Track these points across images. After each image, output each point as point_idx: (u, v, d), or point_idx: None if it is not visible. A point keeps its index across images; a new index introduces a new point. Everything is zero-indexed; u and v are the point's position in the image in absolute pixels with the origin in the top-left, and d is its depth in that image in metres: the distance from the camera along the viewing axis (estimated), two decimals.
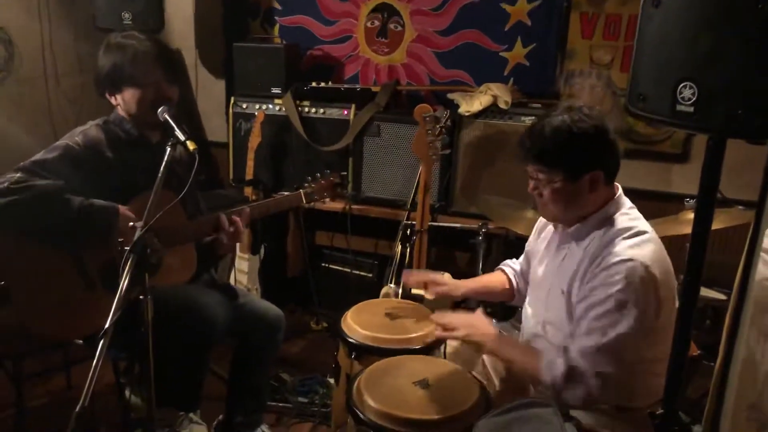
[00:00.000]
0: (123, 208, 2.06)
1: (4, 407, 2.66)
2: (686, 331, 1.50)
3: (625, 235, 1.72)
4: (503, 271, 2.30)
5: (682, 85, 1.25)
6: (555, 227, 1.94)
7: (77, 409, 1.36)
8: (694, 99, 1.23)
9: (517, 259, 2.30)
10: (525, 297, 2.16)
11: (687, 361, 1.71)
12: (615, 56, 3.28)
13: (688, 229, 2.44)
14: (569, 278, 1.79)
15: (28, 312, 2.11)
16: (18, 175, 2.00)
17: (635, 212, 1.82)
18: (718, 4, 1.19)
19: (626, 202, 1.83)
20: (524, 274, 2.22)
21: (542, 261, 1.99)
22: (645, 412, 1.75)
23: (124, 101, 2.19)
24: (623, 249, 1.69)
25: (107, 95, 2.21)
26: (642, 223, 1.77)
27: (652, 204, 2.92)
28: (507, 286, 2.27)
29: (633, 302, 1.64)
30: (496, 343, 1.87)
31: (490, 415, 1.34)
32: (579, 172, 1.73)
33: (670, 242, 2.32)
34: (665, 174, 3.29)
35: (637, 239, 1.71)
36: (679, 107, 1.26)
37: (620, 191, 1.83)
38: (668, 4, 1.26)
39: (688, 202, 2.49)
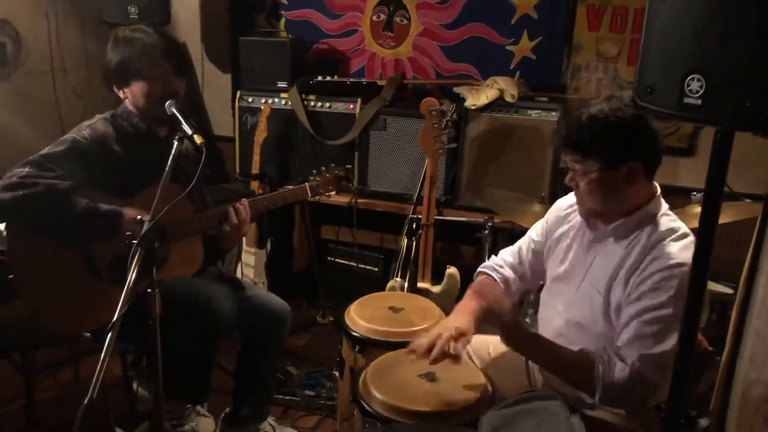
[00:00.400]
0: (127, 212, 2.04)
1: (14, 399, 2.68)
2: (694, 324, 1.50)
3: (673, 236, 1.67)
4: (486, 275, 2.11)
5: (689, 77, 1.24)
6: (589, 224, 1.85)
7: (85, 401, 1.36)
8: (701, 91, 1.22)
9: (496, 256, 2.17)
10: (520, 295, 2.12)
11: (698, 356, 1.71)
12: (622, 49, 3.26)
13: (694, 223, 2.43)
14: (608, 278, 1.73)
15: (36, 305, 2.12)
16: (26, 169, 2.01)
17: (673, 214, 1.76)
18: None
19: (664, 203, 1.78)
20: (518, 266, 2.09)
21: (564, 259, 1.91)
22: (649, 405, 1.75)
23: (132, 95, 2.19)
24: (676, 252, 1.63)
25: (115, 89, 2.22)
26: (684, 225, 1.73)
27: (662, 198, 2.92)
28: (503, 288, 2.09)
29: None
30: (531, 344, 1.78)
31: (496, 407, 1.35)
32: (616, 161, 1.67)
33: None
34: (671, 168, 3.28)
35: (686, 241, 1.66)
36: (686, 100, 1.25)
37: (659, 191, 1.77)
38: None
39: (694, 195, 2.49)
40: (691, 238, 1.67)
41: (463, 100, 3.20)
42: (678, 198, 2.81)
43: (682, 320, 1.49)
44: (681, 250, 1.64)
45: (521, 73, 3.44)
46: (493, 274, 2.10)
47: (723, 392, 1.47)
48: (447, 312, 2.12)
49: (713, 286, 2.69)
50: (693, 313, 1.50)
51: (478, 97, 3.16)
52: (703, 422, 1.47)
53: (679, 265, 1.61)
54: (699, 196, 2.48)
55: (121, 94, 2.22)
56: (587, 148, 1.69)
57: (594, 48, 3.31)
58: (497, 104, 3.16)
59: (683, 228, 1.71)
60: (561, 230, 1.97)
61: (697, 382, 2.12)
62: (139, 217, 1.70)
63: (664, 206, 1.77)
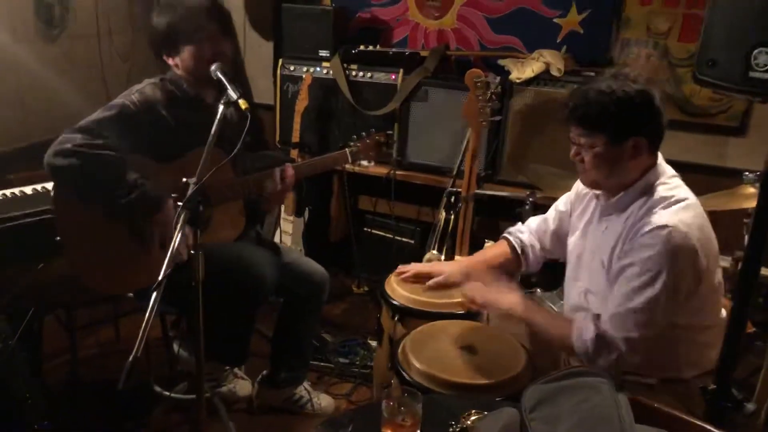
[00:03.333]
0: (171, 201, 2.08)
1: (58, 354, 2.75)
2: (744, 306, 1.47)
3: (664, 204, 1.70)
4: (507, 239, 2.23)
5: (757, 50, 1.20)
6: (597, 198, 1.90)
7: (130, 358, 1.38)
8: None
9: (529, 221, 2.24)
10: (538, 263, 2.17)
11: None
12: (673, 25, 3.16)
13: (744, 204, 2.40)
14: (609, 249, 1.77)
15: (80, 266, 2.16)
16: (80, 136, 2.04)
17: (676, 180, 1.79)
18: None
19: (667, 170, 1.80)
20: (543, 234, 2.17)
21: (585, 231, 1.96)
22: (693, 385, 1.74)
23: (181, 60, 2.20)
24: (660, 217, 1.67)
25: (164, 57, 2.22)
26: (682, 191, 1.75)
27: (707, 178, 2.85)
28: (510, 257, 2.19)
29: (666, 267, 1.62)
30: (523, 311, 1.86)
31: (540, 381, 1.34)
32: (621, 136, 1.70)
33: (726, 217, 2.27)
34: (721, 147, 3.19)
35: (675, 207, 1.69)
36: (752, 74, 1.22)
37: (661, 159, 1.80)
38: None
39: (747, 176, 2.42)
40: (686, 202, 1.70)
41: (508, 72, 3.15)
42: (727, 179, 2.74)
43: (733, 304, 1.46)
44: (670, 215, 1.67)
45: (568, 46, 3.36)
46: (513, 240, 2.19)
47: None
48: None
49: (762, 270, 2.62)
50: (744, 296, 1.47)
51: (523, 70, 3.10)
52: (751, 406, 1.45)
53: (661, 227, 1.64)
54: (751, 176, 2.42)
55: (170, 62, 2.22)
56: (593, 123, 1.72)
57: (644, 23, 3.22)
58: (543, 78, 3.09)
59: (678, 194, 1.72)
60: (583, 205, 2.01)
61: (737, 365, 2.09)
62: (184, 179, 1.71)
63: (666, 173, 1.79)
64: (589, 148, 1.74)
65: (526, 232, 2.21)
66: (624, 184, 1.78)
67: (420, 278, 2.19)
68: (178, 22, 2.15)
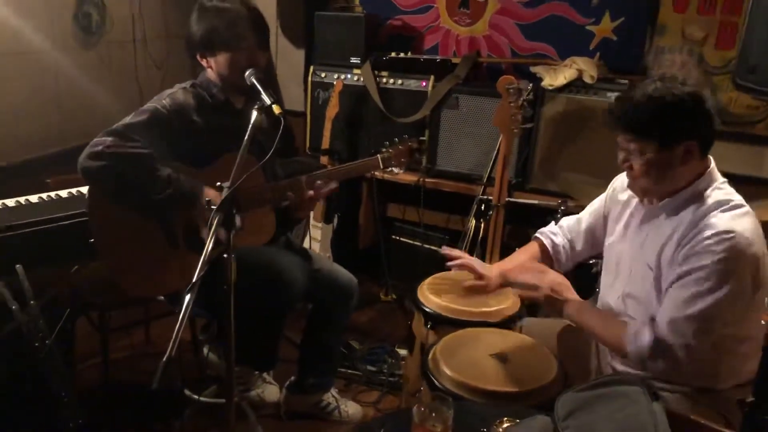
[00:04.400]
0: (207, 190, 2.10)
1: (91, 356, 2.79)
2: None
3: (723, 208, 1.64)
4: (539, 240, 2.21)
5: None
6: (641, 201, 1.85)
7: (164, 358, 1.39)
8: None
9: (556, 225, 2.22)
10: (569, 264, 2.13)
11: None
12: (710, 32, 3.11)
13: None
14: (657, 252, 1.72)
15: (114, 268, 2.19)
16: (111, 138, 2.06)
17: (729, 186, 1.73)
18: None
19: (718, 176, 1.75)
20: (576, 235, 2.13)
21: (623, 234, 1.91)
22: (729, 396, 1.70)
23: (216, 64, 2.21)
24: (723, 221, 1.61)
25: (199, 57, 2.24)
26: (738, 197, 1.70)
27: (743, 188, 2.77)
28: (540, 258, 2.16)
29: (729, 275, 1.57)
30: (576, 308, 1.82)
31: (574, 389, 1.32)
32: (673, 141, 1.65)
33: (763, 227, 2.21)
34: (758, 158, 3.13)
35: (737, 212, 1.63)
36: None
37: (713, 164, 1.75)
38: None
39: None
40: (745, 209, 1.65)
41: (540, 80, 3.13)
42: (764, 189, 2.68)
43: None
44: (729, 219, 1.61)
45: (601, 54, 3.33)
46: (544, 240, 2.18)
47: None
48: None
49: None
50: None
51: (555, 77, 3.08)
52: None
53: (726, 232, 1.58)
54: None
55: (204, 63, 2.24)
56: (644, 128, 1.67)
57: (679, 30, 3.18)
58: (575, 85, 3.07)
59: (735, 200, 1.67)
60: (619, 207, 1.97)
61: None
62: (219, 183, 1.73)
63: (718, 180, 1.74)
64: (639, 154, 1.69)
65: (559, 232, 2.18)
66: (676, 188, 1.73)
67: (452, 286, 2.17)
68: (219, 28, 2.16)
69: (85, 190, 2.42)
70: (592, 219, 2.10)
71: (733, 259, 1.57)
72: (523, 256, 2.21)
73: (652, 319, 1.67)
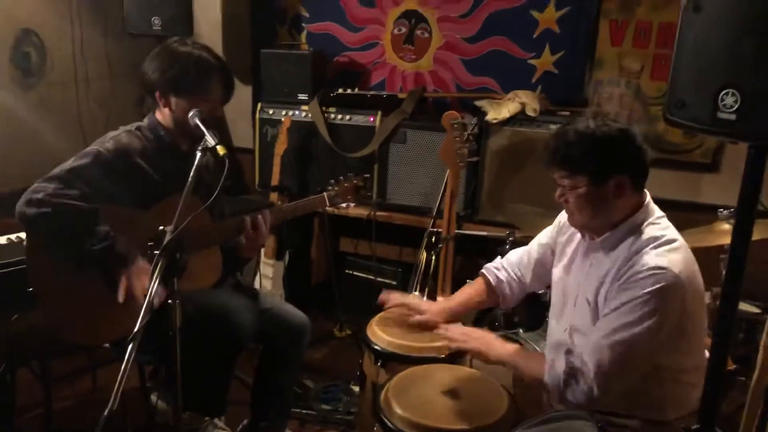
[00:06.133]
0: (142, 262, 2.05)
1: (33, 407, 2.67)
2: (724, 344, 1.47)
3: (654, 244, 1.70)
4: (484, 276, 2.24)
5: (724, 92, 1.22)
6: (583, 236, 1.90)
7: (106, 412, 1.35)
8: (736, 106, 1.20)
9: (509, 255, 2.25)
10: (516, 299, 2.17)
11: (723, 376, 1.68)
12: (645, 64, 3.24)
13: (720, 240, 2.42)
14: (595, 287, 1.76)
15: (55, 318, 2.12)
16: (53, 185, 2.01)
17: (665, 221, 1.79)
18: (763, 7, 1.16)
19: (655, 210, 1.80)
20: (524, 268, 2.16)
21: (569, 267, 1.95)
22: (676, 427, 1.72)
23: (176, 106, 2.16)
24: (652, 258, 1.66)
25: (157, 95, 2.18)
26: (671, 232, 1.75)
27: (681, 214, 2.84)
28: (485, 296, 2.21)
29: (654, 309, 1.61)
30: (495, 349, 1.85)
31: (524, 425, 1.32)
32: (603, 176, 1.70)
33: (702, 253, 2.28)
34: (695, 184, 3.24)
35: (666, 247, 1.69)
36: (720, 114, 1.24)
37: (649, 198, 1.80)
38: (710, 9, 1.24)
39: (721, 212, 2.45)
40: (676, 243, 1.71)
41: (485, 113, 3.19)
42: (702, 215, 2.77)
43: (713, 340, 1.46)
44: (658, 256, 1.66)
45: (543, 87, 3.43)
46: (489, 276, 2.20)
47: (762, 417, 1.43)
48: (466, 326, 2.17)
49: (741, 305, 2.64)
50: (724, 333, 1.47)
51: (499, 111, 3.14)
52: None
53: (653, 268, 1.63)
54: (726, 212, 2.44)
55: (161, 102, 2.18)
56: (575, 164, 1.72)
57: (616, 63, 3.29)
58: (519, 118, 3.14)
59: (669, 235, 1.72)
60: (565, 237, 2.01)
61: (721, 402, 2.07)
62: (161, 227, 1.69)
63: (654, 214, 1.79)
64: (573, 189, 1.74)
65: (502, 268, 2.20)
66: (611, 223, 1.77)
67: (401, 322, 2.17)
68: (191, 74, 2.12)
69: (24, 236, 2.35)
70: (541, 251, 2.13)
71: (659, 293, 1.61)
72: (469, 290, 2.24)
73: (569, 350, 1.70)
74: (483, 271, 2.25)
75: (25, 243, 2.13)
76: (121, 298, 2.03)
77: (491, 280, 2.19)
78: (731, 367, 1.99)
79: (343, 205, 2.55)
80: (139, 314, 1.51)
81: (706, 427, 1.47)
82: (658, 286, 1.61)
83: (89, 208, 2.03)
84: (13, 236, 2.60)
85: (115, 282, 2.07)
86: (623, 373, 1.64)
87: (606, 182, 1.71)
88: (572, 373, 1.65)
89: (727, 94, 1.22)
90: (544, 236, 2.14)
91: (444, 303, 2.24)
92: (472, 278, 2.32)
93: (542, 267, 2.12)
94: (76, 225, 2.01)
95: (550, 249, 2.09)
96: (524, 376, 1.83)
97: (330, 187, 2.52)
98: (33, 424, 2.65)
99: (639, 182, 1.76)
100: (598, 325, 1.70)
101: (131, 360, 1.44)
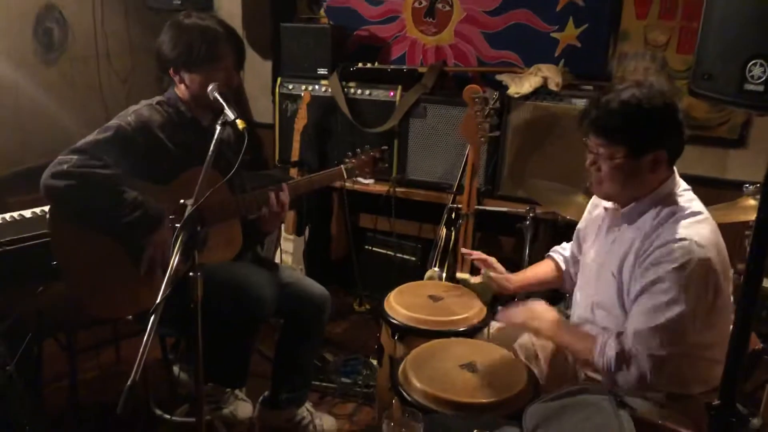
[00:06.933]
0: (168, 221, 2.08)
1: (59, 378, 2.73)
2: (747, 320, 1.45)
3: (680, 214, 1.67)
4: (551, 257, 2.25)
5: (752, 62, 1.19)
6: (606, 208, 1.87)
7: (128, 383, 1.37)
8: (765, 77, 1.17)
9: (567, 243, 2.24)
10: (575, 282, 2.13)
11: (748, 354, 1.66)
12: (671, 37, 3.17)
13: (745, 216, 2.38)
14: (620, 260, 1.74)
15: (80, 291, 2.15)
16: (76, 157, 2.03)
17: (690, 194, 1.76)
18: None
19: (681, 183, 1.77)
20: (575, 258, 2.16)
21: (593, 243, 1.94)
22: (699, 402, 1.71)
23: (191, 81, 2.18)
24: (678, 228, 1.63)
25: (171, 72, 2.20)
26: (697, 204, 1.72)
27: (707, 190, 2.82)
28: (556, 273, 2.21)
29: (688, 283, 1.59)
30: (552, 329, 1.84)
31: (542, 400, 1.32)
32: (643, 149, 1.66)
33: (727, 229, 2.25)
34: (721, 160, 3.18)
35: (692, 219, 1.66)
36: (747, 86, 1.20)
37: (675, 172, 1.77)
38: None
39: (747, 188, 2.41)
40: (702, 216, 1.68)
41: (506, 87, 3.15)
42: (727, 191, 2.73)
43: (735, 317, 1.44)
44: (685, 227, 1.63)
45: (566, 61, 3.37)
46: (555, 256, 2.22)
47: None
48: (485, 302, 2.22)
49: (765, 282, 2.60)
50: (747, 310, 1.45)
51: (521, 85, 3.10)
52: (756, 422, 1.42)
53: (680, 240, 1.61)
54: (751, 188, 2.40)
55: (176, 79, 2.20)
56: (615, 134, 1.68)
57: (642, 36, 3.22)
58: (541, 92, 3.09)
59: (694, 207, 1.69)
60: (594, 215, 1.99)
61: (746, 381, 2.06)
62: (182, 201, 1.70)
63: (681, 186, 1.76)
64: (608, 158, 1.70)
65: (567, 249, 2.21)
66: (637, 196, 1.75)
67: (421, 295, 2.17)
68: (199, 45, 2.13)
69: (46, 208, 2.38)
70: (577, 242, 2.13)
71: (689, 266, 1.59)
72: (540, 270, 2.25)
73: (620, 333, 1.68)
74: (551, 253, 2.25)
75: (48, 216, 2.15)
76: (144, 269, 2.05)
77: (560, 262, 2.19)
78: (758, 346, 1.96)
79: (364, 180, 2.54)
80: (161, 287, 1.52)
81: (726, 403, 1.46)
82: (685, 259, 1.59)
83: (114, 174, 2.04)
84: (37, 209, 2.64)
85: (139, 252, 2.10)
86: (672, 354, 1.62)
87: (644, 155, 1.67)
88: (624, 359, 1.63)
89: (755, 65, 1.18)
90: (579, 227, 2.12)
91: (521, 275, 2.24)
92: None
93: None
94: (104, 192, 2.03)
95: (577, 235, 2.10)
96: (574, 355, 1.84)
97: (347, 160, 2.52)
98: (59, 394, 2.70)
99: (674, 158, 1.72)
100: (635, 308, 1.67)
101: (154, 332, 1.46)
